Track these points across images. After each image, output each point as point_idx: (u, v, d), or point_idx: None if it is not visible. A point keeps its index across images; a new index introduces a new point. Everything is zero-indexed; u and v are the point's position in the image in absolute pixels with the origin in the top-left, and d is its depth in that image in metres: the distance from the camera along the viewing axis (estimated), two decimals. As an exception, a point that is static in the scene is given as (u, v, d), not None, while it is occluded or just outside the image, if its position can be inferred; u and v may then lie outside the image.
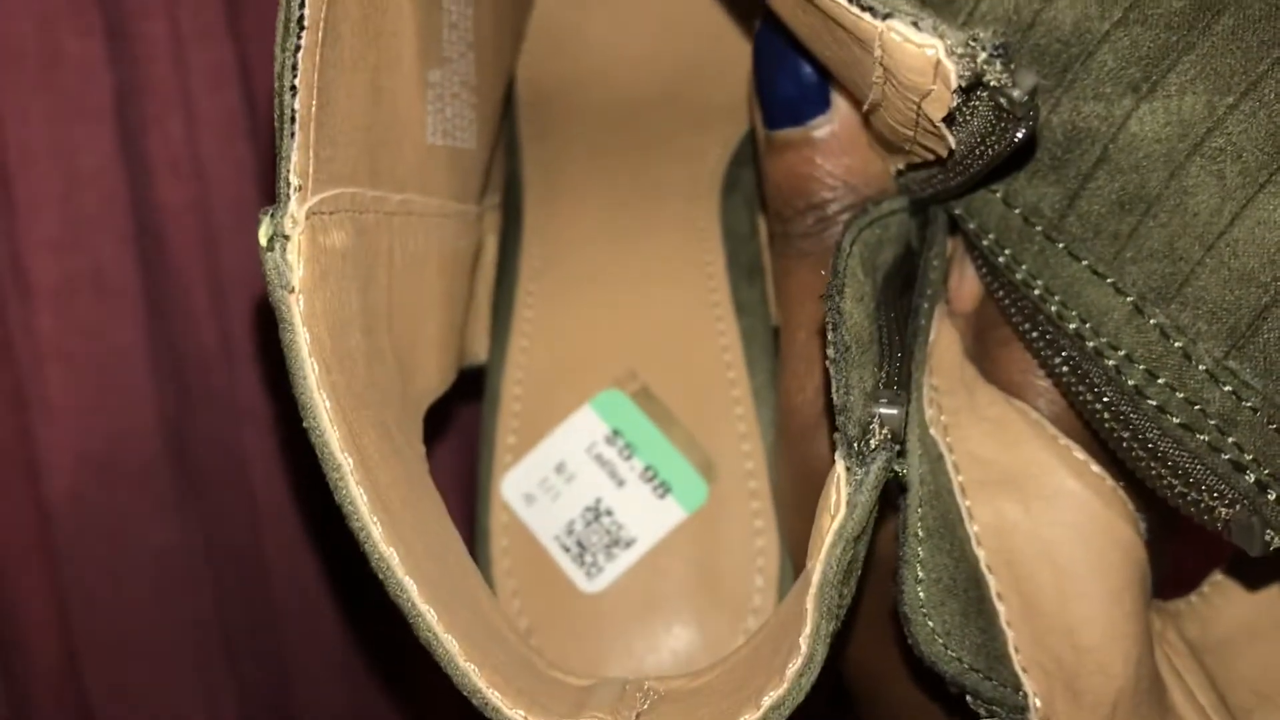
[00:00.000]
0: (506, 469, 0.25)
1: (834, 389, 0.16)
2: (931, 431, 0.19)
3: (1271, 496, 0.16)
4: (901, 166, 0.19)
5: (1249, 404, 0.16)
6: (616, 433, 0.25)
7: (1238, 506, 0.16)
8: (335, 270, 0.15)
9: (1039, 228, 0.18)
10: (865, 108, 0.18)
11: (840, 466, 0.15)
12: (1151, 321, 0.17)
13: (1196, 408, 0.16)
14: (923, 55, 0.15)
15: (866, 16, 0.15)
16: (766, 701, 0.15)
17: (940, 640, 0.17)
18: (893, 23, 0.15)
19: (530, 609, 0.24)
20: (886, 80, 0.16)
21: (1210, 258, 0.16)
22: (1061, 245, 0.17)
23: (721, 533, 0.24)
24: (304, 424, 0.15)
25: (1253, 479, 0.16)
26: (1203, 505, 0.17)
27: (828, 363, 0.16)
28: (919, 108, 0.16)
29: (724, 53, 0.25)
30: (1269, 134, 0.16)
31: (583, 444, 0.25)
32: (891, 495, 0.19)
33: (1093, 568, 0.18)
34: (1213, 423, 0.16)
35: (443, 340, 0.21)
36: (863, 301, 0.17)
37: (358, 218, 0.16)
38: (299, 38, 0.14)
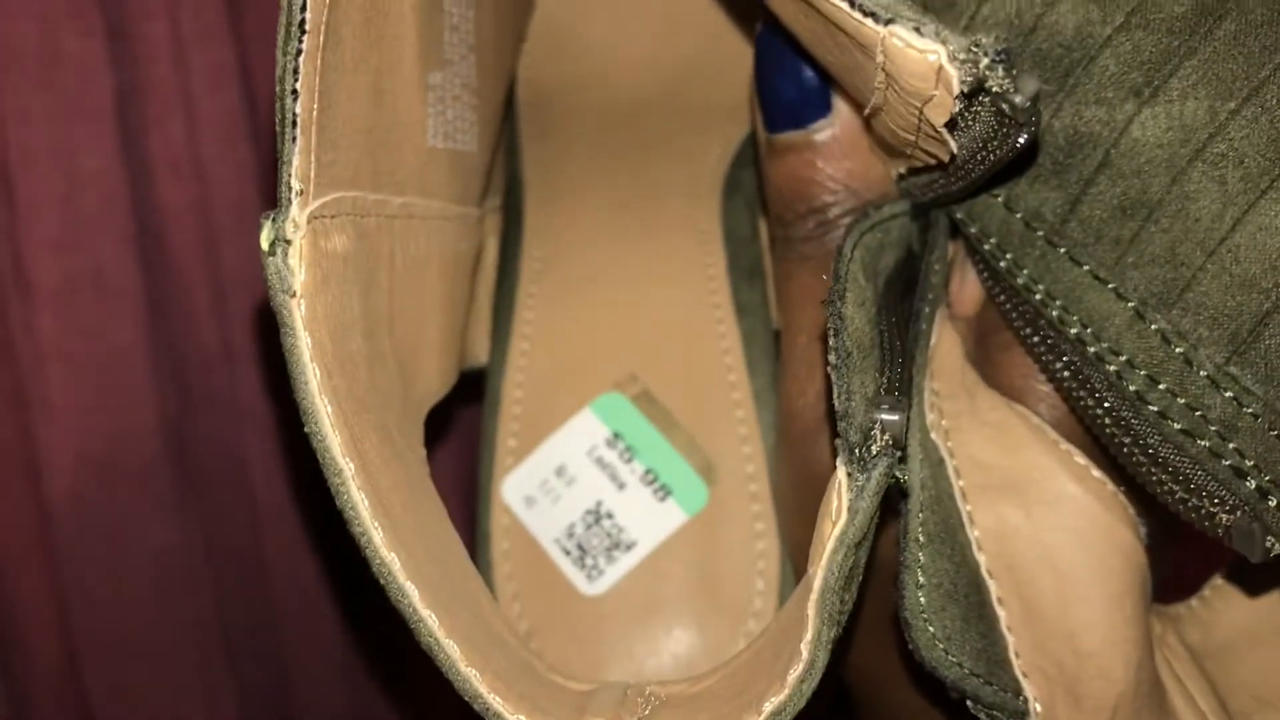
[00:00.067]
0: (507, 472, 0.25)
1: (835, 395, 0.16)
2: (933, 436, 0.19)
3: (1272, 503, 0.16)
4: (903, 170, 0.19)
5: (1250, 410, 0.16)
6: (617, 435, 0.25)
7: (1239, 513, 0.16)
8: (337, 274, 0.15)
9: (1040, 232, 0.18)
10: (867, 112, 0.18)
11: (841, 472, 0.15)
12: (1153, 327, 0.17)
13: (1197, 413, 0.16)
14: (925, 61, 0.15)
15: (869, 22, 0.15)
16: (768, 707, 0.15)
17: (941, 645, 0.17)
18: (895, 28, 0.15)
19: (531, 612, 0.24)
20: (888, 85, 0.16)
21: (1212, 263, 0.16)
22: (1063, 250, 0.17)
23: (722, 536, 0.24)
24: (305, 429, 0.15)
25: (1254, 485, 0.16)
26: (1204, 511, 0.17)
27: (829, 368, 0.16)
28: (921, 113, 0.16)
29: (725, 54, 0.25)
30: (1271, 140, 0.16)
31: (583, 447, 0.25)
32: (892, 500, 0.19)
33: (1093, 572, 0.18)
34: (1214, 428, 0.16)
35: (444, 343, 0.21)
36: (864, 306, 0.17)
37: (359, 221, 0.16)
38: (300, 41, 0.14)
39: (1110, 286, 0.17)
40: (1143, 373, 0.17)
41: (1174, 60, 0.16)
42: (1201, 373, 0.16)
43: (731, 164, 0.26)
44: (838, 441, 0.16)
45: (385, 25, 0.17)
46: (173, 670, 0.28)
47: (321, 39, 0.14)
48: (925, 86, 0.15)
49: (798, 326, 0.21)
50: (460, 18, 0.20)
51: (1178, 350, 0.17)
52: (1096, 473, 0.18)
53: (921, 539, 0.18)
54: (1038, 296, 0.18)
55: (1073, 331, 0.17)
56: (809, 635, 0.15)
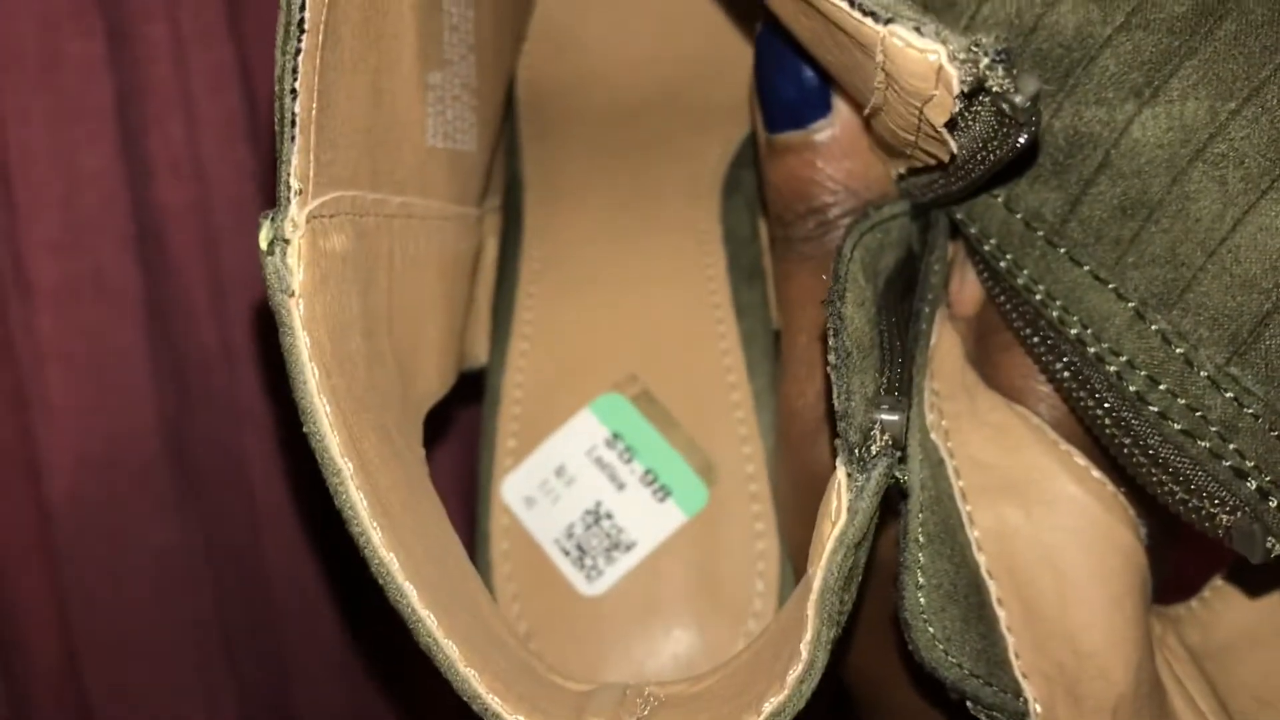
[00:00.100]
0: (507, 472, 0.25)
1: (835, 395, 0.16)
2: (932, 436, 0.19)
3: (1273, 504, 0.16)
4: (903, 171, 0.19)
5: (1250, 411, 0.16)
6: (617, 436, 0.25)
7: (1239, 514, 0.16)
8: (335, 274, 0.15)
9: (1040, 233, 0.18)
10: (867, 112, 0.18)
11: (841, 472, 0.15)
12: (1153, 327, 0.17)
13: (1198, 414, 0.16)
14: (925, 60, 0.15)
15: (868, 21, 0.15)
16: (767, 708, 0.15)
17: (941, 646, 0.17)
18: (895, 28, 0.15)
19: (530, 612, 0.24)
20: (888, 85, 0.16)
21: (1212, 264, 0.16)
22: (1063, 250, 0.17)
23: (722, 536, 0.24)
24: (304, 428, 0.15)
25: (1254, 486, 0.16)
26: (1204, 512, 0.16)
27: (829, 369, 0.16)
28: (921, 113, 0.16)
29: (724, 53, 0.25)
30: (1271, 140, 0.16)
31: (583, 447, 0.25)
32: (892, 501, 0.19)
33: (1093, 573, 0.18)
34: (1214, 429, 0.16)
35: (443, 343, 0.21)
36: (864, 306, 0.17)
37: (358, 221, 0.16)
38: (299, 41, 0.14)
39: (1110, 287, 0.17)
40: (1143, 373, 0.17)
41: (1174, 60, 0.16)
42: (1202, 373, 0.16)
43: (731, 164, 0.26)
44: (837, 442, 0.16)
45: (384, 24, 0.17)
46: (173, 670, 0.28)
47: (320, 38, 0.14)
48: (925, 86, 0.15)
49: (797, 327, 0.21)
50: (459, 17, 0.20)
51: (1178, 351, 0.17)
52: (1097, 473, 0.18)
53: (921, 539, 0.18)
54: (1038, 297, 0.18)
55: (1073, 332, 0.17)
56: (808, 636, 0.15)
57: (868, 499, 0.15)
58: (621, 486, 0.24)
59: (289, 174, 0.14)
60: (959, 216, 0.19)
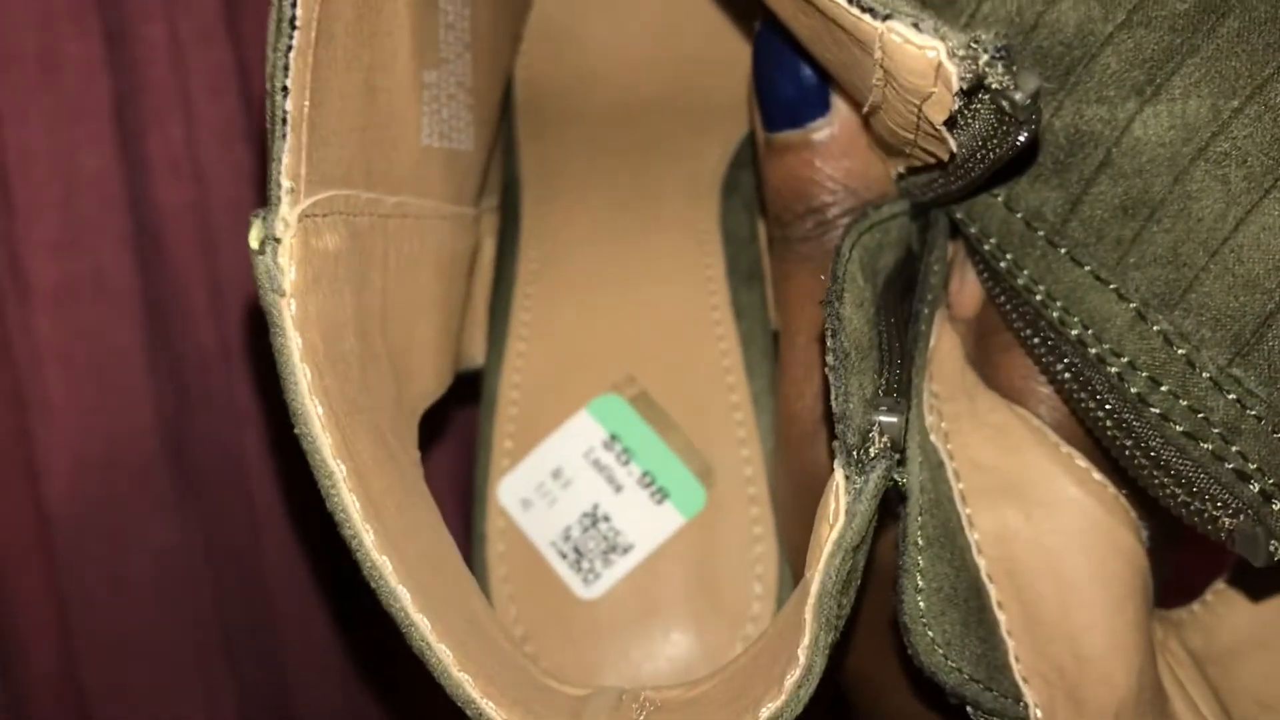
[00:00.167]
0: (503, 474, 0.25)
1: (833, 396, 0.16)
2: (932, 438, 0.19)
3: (1276, 506, 0.16)
4: (902, 170, 0.19)
5: (1253, 412, 0.16)
6: (614, 438, 0.25)
7: (1241, 516, 0.16)
8: (328, 274, 0.15)
9: (1041, 232, 0.17)
10: (865, 110, 0.18)
11: (839, 475, 0.15)
12: (1155, 328, 0.16)
13: (1200, 416, 0.16)
14: (923, 57, 0.14)
15: (866, 18, 0.15)
16: (764, 713, 0.15)
17: (940, 650, 0.17)
18: (893, 24, 0.14)
19: (527, 615, 0.24)
20: (887, 83, 0.16)
21: (1214, 264, 0.16)
22: (1064, 250, 0.17)
23: (720, 539, 0.24)
24: (295, 430, 0.14)
25: (1257, 489, 0.16)
26: (1206, 515, 0.16)
27: (827, 370, 0.16)
28: (920, 110, 0.16)
29: (723, 53, 0.25)
30: (1274, 138, 0.16)
31: (580, 449, 0.25)
32: (891, 503, 0.18)
33: (1095, 576, 0.18)
34: (1216, 431, 0.16)
35: (439, 343, 0.21)
36: (862, 307, 0.17)
37: (351, 220, 0.16)
38: (291, 38, 0.14)
39: (1112, 287, 0.17)
40: (1144, 374, 0.17)
41: (1176, 58, 0.16)
42: (1204, 374, 0.16)
43: (730, 164, 0.26)
44: (835, 444, 0.15)
45: (378, 22, 0.16)
46: (172, 670, 0.28)
47: (313, 35, 0.14)
48: (924, 83, 0.15)
49: (796, 328, 0.21)
50: (456, 16, 0.20)
51: (1180, 352, 0.16)
52: (1098, 475, 0.18)
53: (921, 542, 0.18)
54: (1038, 297, 0.18)
55: (1074, 333, 0.17)
56: (806, 640, 0.15)
57: (866, 502, 0.15)
58: (619, 489, 0.24)
59: (279, 172, 0.14)
60: (959, 216, 0.19)
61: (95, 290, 0.27)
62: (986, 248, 0.18)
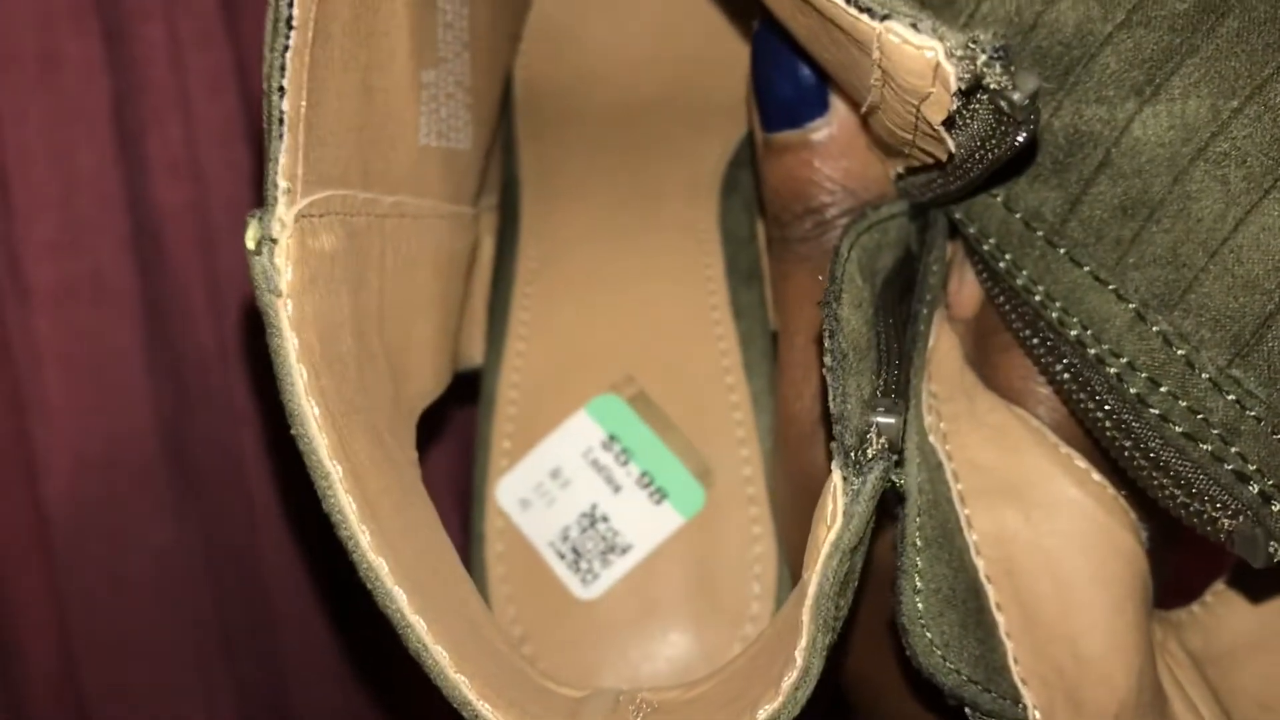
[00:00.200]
0: (502, 474, 0.25)
1: (831, 397, 0.16)
2: (930, 439, 0.19)
3: (1275, 508, 0.16)
4: (901, 170, 0.19)
5: (1253, 413, 0.16)
6: (613, 438, 0.25)
7: (1241, 518, 0.16)
8: (325, 274, 0.15)
9: (1040, 233, 0.17)
10: (864, 110, 0.18)
11: (837, 476, 0.15)
12: (1154, 329, 0.16)
13: (1199, 417, 0.16)
14: (922, 57, 0.14)
15: (864, 18, 0.15)
16: (762, 714, 0.15)
17: (939, 652, 0.17)
18: (891, 24, 0.14)
19: (525, 616, 0.24)
20: (885, 83, 0.16)
21: (1214, 264, 0.16)
22: (1063, 251, 0.17)
23: (719, 539, 0.24)
24: (292, 430, 0.14)
25: (1256, 490, 0.16)
26: (1206, 516, 0.16)
27: (824, 370, 0.16)
28: (918, 110, 0.16)
29: (723, 53, 0.25)
30: (1274, 138, 0.16)
31: (579, 449, 0.25)
32: (889, 504, 0.18)
33: (1094, 577, 0.18)
34: (1216, 432, 0.16)
35: (437, 343, 0.21)
36: (861, 307, 0.17)
37: (348, 220, 0.16)
38: (287, 38, 0.14)
39: (1111, 288, 0.17)
40: (1144, 375, 0.16)
41: (1176, 58, 0.16)
42: (1204, 375, 0.16)
43: (730, 164, 0.26)
44: (833, 445, 0.15)
45: (376, 22, 0.16)
46: (172, 670, 0.28)
47: (310, 35, 0.14)
48: (922, 83, 0.15)
49: (794, 328, 0.21)
50: (454, 15, 0.20)
51: (1179, 352, 0.16)
52: (1097, 476, 0.18)
53: (919, 543, 0.17)
54: (1037, 298, 0.17)
55: (1073, 333, 0.17)
56: (804, 641, 0.15)
57: (863, 503, 0.15)
58: (618, 489, 0.24)
59: (276, 173, 0.14)
60: (958, 216, 0.19)
61: (94, 290, 0.27)
62: (985, 248, 0.18)
